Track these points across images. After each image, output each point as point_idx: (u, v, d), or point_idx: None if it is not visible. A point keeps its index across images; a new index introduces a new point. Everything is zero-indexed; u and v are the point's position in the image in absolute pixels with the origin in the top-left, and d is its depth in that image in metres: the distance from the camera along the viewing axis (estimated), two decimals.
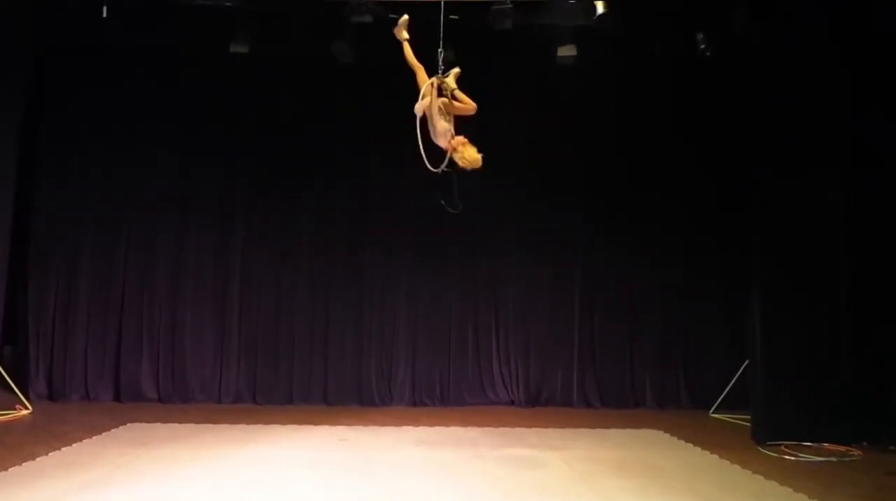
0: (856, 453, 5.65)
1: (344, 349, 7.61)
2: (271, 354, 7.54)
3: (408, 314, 7.71)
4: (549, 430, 6.42)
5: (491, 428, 6.45)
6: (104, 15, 6.30)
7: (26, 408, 6.64)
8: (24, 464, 4.82)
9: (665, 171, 7.87)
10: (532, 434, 6.29)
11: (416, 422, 6.64)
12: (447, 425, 6.55)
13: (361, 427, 6.38)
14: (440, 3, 5.16)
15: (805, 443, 5.81)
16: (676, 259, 7.83)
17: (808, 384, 6.02)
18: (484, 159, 4.66)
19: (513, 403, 7.66)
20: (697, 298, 7.82)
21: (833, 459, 5.51)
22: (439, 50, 4.93)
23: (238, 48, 6.70)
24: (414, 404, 7.55)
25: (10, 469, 4.68)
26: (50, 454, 5.13)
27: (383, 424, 6.53)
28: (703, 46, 6.63)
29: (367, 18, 6.08)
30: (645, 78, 7.68)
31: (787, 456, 5.56)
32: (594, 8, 6.18)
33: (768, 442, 5.86)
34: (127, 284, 7.44)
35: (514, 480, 4.77)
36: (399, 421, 6.65)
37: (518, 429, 6.46)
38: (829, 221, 6.15)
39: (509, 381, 7.75)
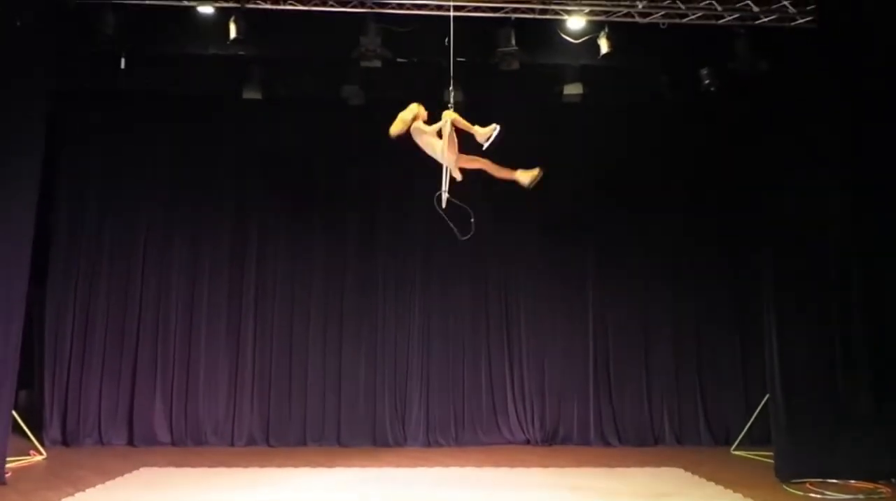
0: (884, 490, 5.50)
1: (357, 389, 7.56)
2: (284, 396, 7.51)
3: (420, 352, 7.67)
4: (567, 470, 6.31)
5: (507, 469, 6.35)
6: (122, 66, 6.52)
7: (40, 454, 6.63)
8: None
9: (674, 200, 7.89)
10: (549, 474, 6.18)
11: (430, 463, 6.55)
12: (462, 466, 6.45)
13: (376, 469, 6.30)
14: (457, 46, 5.32)
15: (831, 481, 5.66)
16: (690, 290, 7.80)
17: (831, 419, 5.90)
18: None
19: (528, 442, 7.55)
20: (713, 329, 7.76)
21: (860, 497, 5.37)
22: (450, 89, 5.06)
23: (251, 94, 6.87)
24: (428, 444, 7.45)
25: None
26: (63, 500, 5.11)
27: (398, 465, 6.45)
28: (707, 82, 6.71)
29: (376, 63, 6.23)
30: (650, 112, 7.75)
31: (812, 495, 5.42)
32: (598, 47, 6.31)
33: (793, 480, 5.72)
34: (141, 328, 7.48)
35: None
36: (413, 462, 6.56)
37: (535, 469, 6.35)
38: (839, 250, 6.11)
39: (525, 419, 7.65)
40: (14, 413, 6.05)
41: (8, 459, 5.76)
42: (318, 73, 6.96)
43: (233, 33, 6.04)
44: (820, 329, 6.06)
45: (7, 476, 5.61)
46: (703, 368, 7.73)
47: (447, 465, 6.45)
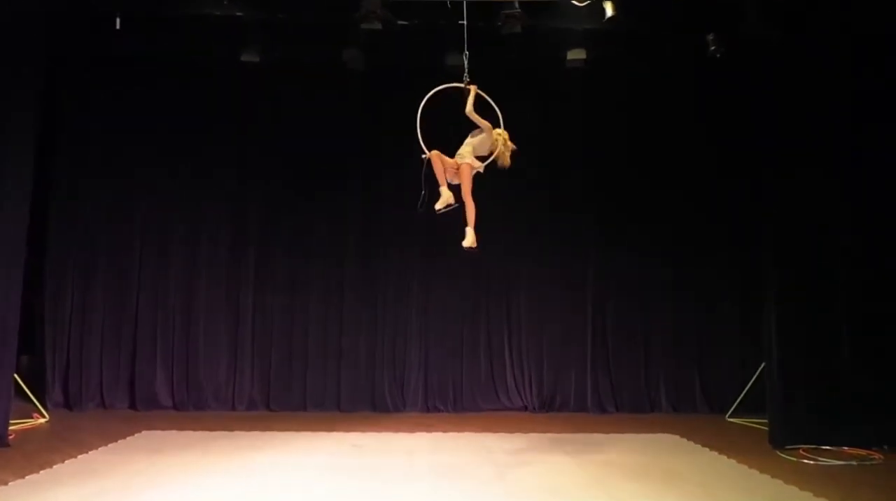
0: (876, 456, 5.58)
1: (357, 355, 7.62)
2: (285, 361, 7.57)
3: (420, 318, 7.71)
4: (564, 435, 6.39)
5: (505, 434, 6.43)
6: (117, 27, 6.38)
7: (43, 417, 6.71)
8: (41, 472, 4.87)
9: (676, 172, 7.85)
10: (546, 439, 6.26)
11: (429, 428, 6.62)
12: (461, 431, 6.53)
13: (375, 434, 6.38)
14: (460, 8, 5.23)
15: (824, 447, 5.74)
16: (690, 260, 7.80)
17: (826, 387, 5.96)
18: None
19: (526, 409, 7.63)
20: (711, 300, 7.78)
21: (853, 463, 5.44)
22: (465, 53, 5.12)
23: (249, 57, 6.74)
24: (427, 410, 7.54)
25: (27, 477, 4.73)
26: (66, 462, 5.18)
27: (397, 430, 6.52)
28: (713, 48, 6.58)
29: (377, 25, 6.10)
30: (655, 80, 7.65)
31: (805, 461, 5.50)
32: (603, 11, 6.17)
33: (786, 446, 5.80)
34: (141, 293, 7.50)
35: (528, 486, 4.75)
36: (412, 428, 6.63)
37: (532, 435, 6.43)
38: (839, 223, 6.09)
39: (523, 386, 7.72)
40: (17, 376, 6.10)
41: (11, 421, 5.82)
42: (317, 36, 6.82)
43: None
44: (817, 300, 6.07)
45: (10, 438, 5.68)
46: (699, 336, 7.77)
47: (446, 430, 6.52)
